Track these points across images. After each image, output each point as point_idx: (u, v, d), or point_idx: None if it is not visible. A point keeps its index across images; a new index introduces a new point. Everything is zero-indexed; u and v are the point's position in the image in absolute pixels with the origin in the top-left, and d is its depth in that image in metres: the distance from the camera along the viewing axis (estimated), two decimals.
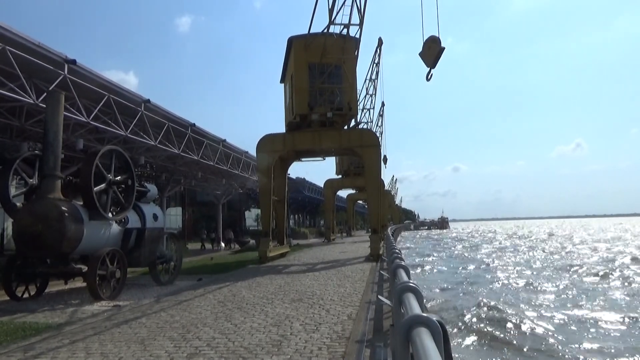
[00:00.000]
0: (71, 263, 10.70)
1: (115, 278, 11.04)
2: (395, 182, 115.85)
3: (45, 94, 12.09)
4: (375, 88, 46.05)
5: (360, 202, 71.46)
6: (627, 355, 10.96)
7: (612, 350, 11.32)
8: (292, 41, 22.30)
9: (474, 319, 14.34)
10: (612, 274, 25.27)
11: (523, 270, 28.33)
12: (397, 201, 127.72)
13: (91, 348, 6.11)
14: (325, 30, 20.06)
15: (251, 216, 55.05)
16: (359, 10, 18.95)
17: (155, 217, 13.54)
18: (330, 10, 19.05)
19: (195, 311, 8.71)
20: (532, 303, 17.44)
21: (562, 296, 19.18)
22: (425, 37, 15.28)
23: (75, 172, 12.03)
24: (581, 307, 16.58)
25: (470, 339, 12.61)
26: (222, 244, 33.50)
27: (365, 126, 41.39)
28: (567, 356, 11.10)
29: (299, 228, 56.52)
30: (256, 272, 15.97)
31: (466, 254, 42.95)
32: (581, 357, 11.02)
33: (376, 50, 44.27)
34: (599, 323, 14.04)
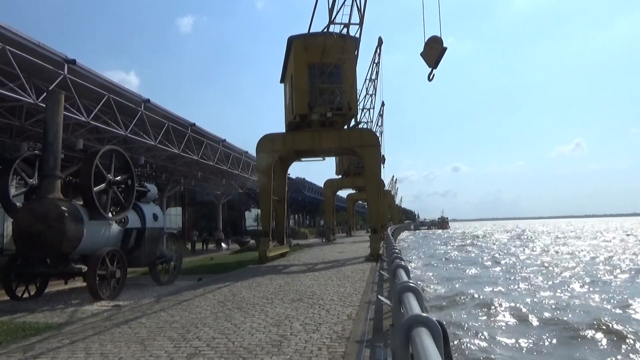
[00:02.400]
0: (71, 263, 10.70)
1: (115, 278, 11.04)
2: (395, 182, 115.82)
3: (45, 93, 12.08)
4: (375, 88, 45.99)
5: (360, 202, 71.41)
6: None
7: None
8: (292, 41, 22.29)
9: None
10: None
11: None
12: (397, 201, 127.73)
13: (91, 348, 6.11)
14: (325, 30, 20.06)
15: (251, 216, 55.03)
16: (359, 10, 18.96)
17: (155, 217, 13.56)
18: (330, 10, 19.05)
19: (195, 311, 8.71)
20: None
21: None
22: (426, 37, 15.29)
23: (75, 172, 12.03)
24: None
25: None
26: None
27: (365, 126, 41.37)
28: None
29: (298, 228, 56.48)
30: (256, 272, 15.97)
31: None
32: None
33: (376, 50, 44.20)
34: None
